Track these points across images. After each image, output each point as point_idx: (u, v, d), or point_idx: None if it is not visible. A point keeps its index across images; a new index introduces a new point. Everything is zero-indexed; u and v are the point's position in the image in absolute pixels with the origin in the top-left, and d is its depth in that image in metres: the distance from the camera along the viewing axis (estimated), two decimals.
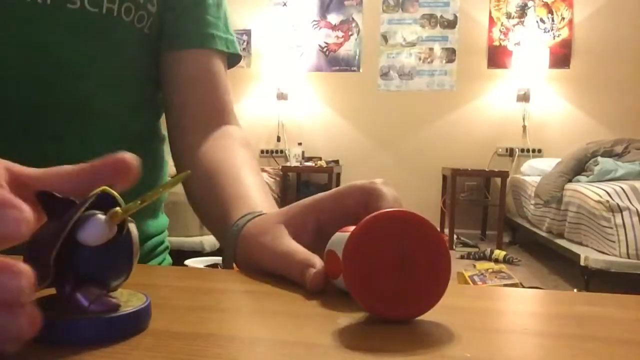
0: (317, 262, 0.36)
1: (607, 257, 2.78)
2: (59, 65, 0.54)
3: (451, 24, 4.94)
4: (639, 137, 3.89)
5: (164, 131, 0.70)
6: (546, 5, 4.78)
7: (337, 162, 4.95)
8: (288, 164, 4.79)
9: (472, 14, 4.90)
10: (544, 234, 3.66)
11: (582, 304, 0.35)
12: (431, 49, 4.97)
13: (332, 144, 5.10)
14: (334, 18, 5.11)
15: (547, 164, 4.08)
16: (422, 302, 0.29)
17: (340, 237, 0.32)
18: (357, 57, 5.09)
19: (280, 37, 5.11)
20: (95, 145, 0.57)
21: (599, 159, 3.53)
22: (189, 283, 0.39)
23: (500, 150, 4.86)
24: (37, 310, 0.21)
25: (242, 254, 0.44)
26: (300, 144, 4.97)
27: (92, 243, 0.23)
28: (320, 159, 4.86)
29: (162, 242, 0.70)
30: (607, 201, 2.84)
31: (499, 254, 3.68)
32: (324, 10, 5.11)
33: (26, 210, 0.20)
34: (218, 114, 0.67)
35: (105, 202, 0.25)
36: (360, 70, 5.09)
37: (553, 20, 4.77)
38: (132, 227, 0.26)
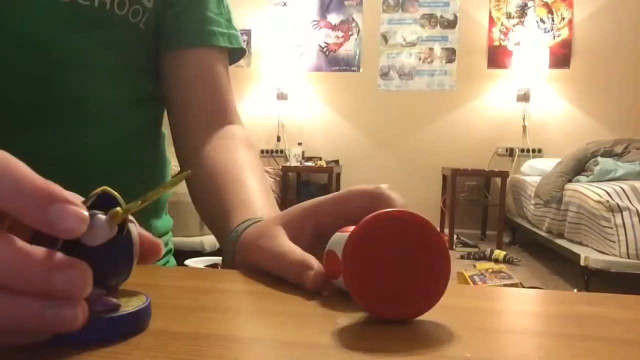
0: (314, 262, 0.36)
1: (607, 257, 2.78)
2: (53, 59, 0.54)
3: (451, 24, 4.94)
4: (639, 137, 3.89)
5: (165, 130, 0.70)
6: (546, 5, 4.77)
7: (337, 162, 4.95)
8: (288, 164, 4.79)
9: (472, 14, 4.90)
10: (544, 234, 3.66)
11: (582, 304, 0.35)
12: (431, 49, 4.97)
13: (332, 144, 5.10)
14: (334, 18, 5.11)
15: (547, 164, 4.08)
16: (421, 302, 0.29)
17: (340, 237, 0.32)
18: (357, 57, 5.09)
19: (280, 37, 5.11)
20: (93, 142, 0.57)
21: (599, 159, 3.53)
22: (189, 283, 0.39)
23: (500, 150, 4.86)
24: (87, 306, 0.22)
25: (241, 258, 0.44)
26: (300, 144, 4.97)
27: (93, 243, 0.24)
28: (320, 159, 4.86)
29: (166, 244, 0.70)
30: (607, 201, 2.84)
31: (499, 254, 3.68)
32: (324, 10, 5.11)
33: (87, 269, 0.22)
34: (221, 113, 0.67)
35: (105, 202, 0.25)
36: (360, 70, 5.09)
37: (553, 20, 4.77)
38: (132, 227, 0.26)
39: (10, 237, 0.21)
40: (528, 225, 4.08)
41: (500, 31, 4.84)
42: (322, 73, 5.12)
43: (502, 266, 2.75)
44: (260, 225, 0.44)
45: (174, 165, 0.69)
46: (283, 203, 4.22)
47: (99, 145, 0.58)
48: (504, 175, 4.18)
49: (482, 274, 2.58)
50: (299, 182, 5.08)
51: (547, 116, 4.78)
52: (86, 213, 0.22)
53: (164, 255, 0.69)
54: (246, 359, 0.24)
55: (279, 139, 5.18)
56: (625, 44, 4.61)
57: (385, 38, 5.04)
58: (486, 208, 4.77)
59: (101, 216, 0.24)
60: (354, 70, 5.10)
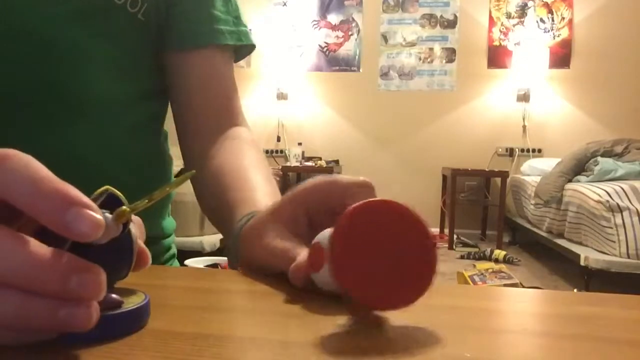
0: (301, 253, 0.36)
1: (607, 257, 2.78)
2: (50, 50, 0.53)
3: (451, 24, 4.94)
4: (639, 137, 3.89)
5: (167, 128, 0.70)
6: (546, 5, 4.78)
7: (337, 162, 4.95)
8: (288, 164, 4.79)
9: (472, 14, 4.90)
10: (544, 234, 3.66)
11: (582, 304, 0.35)
12: (431, 49, 4.97)
13: (332, 144, 5.10)
14: (334, 18, 5.11)
15: (547, 164, 4.08)
16: (410, 290, 0.28)
17: (327, 231, 0.32)
18: (357, 57, 5.09)
19: (280, 37, 5.11)
20: (92, 136, 0.57)
21: (599, 159, 3.53)
22: (189, 283, 0.39)
23: (500, 150, 4.86)
24: (98, 307, 0.23)
25: (244, 254, 0.44)
26: (300, 144, 4.97)
27: (100, 241, 0.24)
28: (320, 159, 4.86)
29: (169, 248, 0.69)
30: (607, 201, 2.84)
31: (499, 254, 3.68)
32: (324, 10, 5.11)
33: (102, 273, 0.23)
34: (228, 116, 0.67)
35: (109, 201, 0.25)
36: (360, 70, 5.09)
37: (553, 20, 4.77)
38: (132, 226, 0.27)
39: (26, 238, 0.22)
40: (528, 225, 4.08)
41: (500, 31, 4.84)
42: (322, 73, 5.12)
43: (502, 266, 2.75)
44: (254, 220, 0.44)
45: (175, 166, 0.69)
46: None
47: (97, 140, 0.57)
48: (504, 175, 4.18)
49: (482, 274, 2.58)
50: (299, 182, 5.07)
51: (547, 116, 4.78)
52: (102, 219, 0.22)
53: (168, 260, 0.68)
54: (246, 359, 0.24)
55: (279, 139, 5.18)
56: (625, 44, 4.61)
57: (385, 38, 5.04)
58: (486, 208, 4.77)
59: (108, 215, 0.24)
60: (354, 70, 5.10)
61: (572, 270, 3.19)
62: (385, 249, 0.28)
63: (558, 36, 4.75)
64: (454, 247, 4.17)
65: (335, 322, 0.29)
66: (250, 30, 0.69)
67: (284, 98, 5.09)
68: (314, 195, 0.41)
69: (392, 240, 0.28)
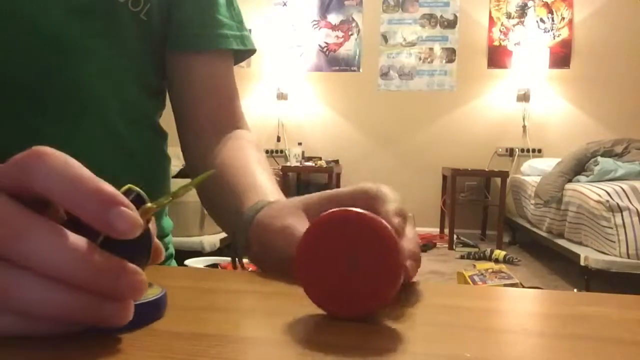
0: None
1: (607, 257, 2.78)
2: (51, 44, 0.53)
3: (451, 24, 4.94)
4: (639, 137, 3.89)
5: (166, 128, 0.70)
6: (546, 5, 4.78)
7: (337, 162, 4.95)
8: (288, 164, 4.79)
9: (472, 14, 4.90)
10: (544, 234, 3.66)
11: (582, 304, 0.35)
12: (431, 49, 4.97)
13: (332, 144, 5.10)
14: (334, 18, 5.11)
15: (547, 164, 4.08)
16: (372, 300, 0.29)
17: None
18: (357, 57, 5.09)
19: (280, 37, 5.11)
20: (88, 132, 0.57)
21: (599, 159, 3.53)
22: (189, 283, 0.39)
23: (500, 150, 4.86)
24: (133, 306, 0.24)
25: (257, 240, 0.44)
26: (300, 144, 4.97)
27: (128, 236, 0.24)
28: (320, 159, 4.86)
29: (167, 248, 0.69)
30: (607, 201, 2.84)
31: (499, 254, 3.68)
32: (324, 10, 5.11)
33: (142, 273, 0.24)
34: (230, 119, 0.68)
35: (128, 197, 0.26)
36: (360, 70, 5.09)
37: (553, 20, 4.77)
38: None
39: (74, 235, 0.23)
40: (528, 225, 4.08)
41: (500, 31, 4.84)
42: (322, 73, 5.12)
43: (502, 266, 2.75)
44: (279, 205, 0.45)
45: (174, 165, 0.69)
46: None
47: (97, 137, 0.58)
48: (504, 175, 4.18)
49: (482, 274, 2.58)
50: (299, 182, 5.08)
51: (547, 116, 4.78)
52: (140, 218, 0.24)
53: (166, 260, 0.68)
54: (246, 359, 0.24)
55: (279, 139, 5.18)
56: (625, 44, 4.61)
57: (385, 38, 5.04)
58: (486, 208, 4.77)
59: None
60: (354, 70, 5.10)
61: (572, 270, 3.19)
62: (346, 259, 0.29)
63: (558, 36, 4.75)
64: (454, 247, 4.17)
65: (336, 322, 0.29)
66: (250, 31, 0.70)
67: (284, 98, 5.09)
68: (345, 201, 0.41)
69: (354, 250, 0.29)
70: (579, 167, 3.62)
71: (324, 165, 4.68)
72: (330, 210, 0.30)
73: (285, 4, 5.13)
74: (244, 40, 0.68)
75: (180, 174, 2.26)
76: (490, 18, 4.86)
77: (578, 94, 4.72)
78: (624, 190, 2.90)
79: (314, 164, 4.68)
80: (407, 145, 5.00)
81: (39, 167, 0.23)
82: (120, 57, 0.59)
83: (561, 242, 3.30)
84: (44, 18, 0.53)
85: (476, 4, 4.88)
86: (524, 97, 4.75)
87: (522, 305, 0.36)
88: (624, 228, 2.75)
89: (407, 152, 4.99)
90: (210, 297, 0.35)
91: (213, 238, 3.07)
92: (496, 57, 4.84)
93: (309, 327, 0.29)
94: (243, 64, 0.79)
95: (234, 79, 0.69)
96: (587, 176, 3.46)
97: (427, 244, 4.18)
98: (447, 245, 4.22)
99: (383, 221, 0.29)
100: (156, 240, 0.30)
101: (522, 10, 4.82)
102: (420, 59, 4.99)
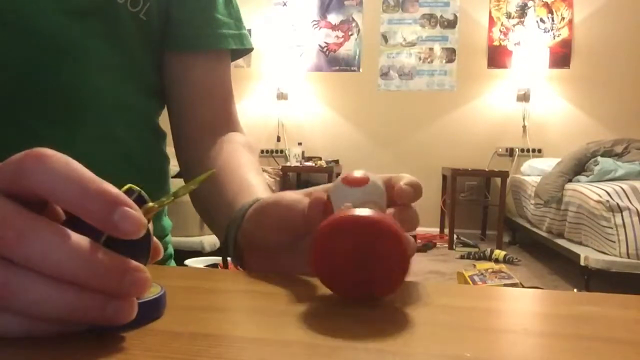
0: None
1: (607, 257, 2.78)
2: (50, 46, 0.53)
3: (451, 24, 4.94)
4: (639, 137, 3.89)
5: (165, 128, 0.70)
6: (546, 5, 4.78)
7: (337, 162, 4.95)
8: (288, 164, 4.79)
9: (472, 14, 4.90)
10: (544, 234, 3.66)
11: (582, 304, 0.35)
12: (431, 49, 4.97)
13: (332, 144, 5.10)
14: (334, 18, 5.11)
15: (547, 164, 4.08)
16: (381, 285, 0.32)
17: (342, 190, 0.35)
18: (357, 57, 5.09)
19: (280, 37, 5.11)
20: (87, 133, 0.57)
21: (599, 159, 3.53)
22: (189, 283, 0.39)
23: (500, 150, 4.87)
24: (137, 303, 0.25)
25: (253, 218, 0.44)
26: (300, 144, 4.97)
27: (133, 236, 0.24)
28: (320, 158, 4.86)
29: (166, 248, 0.69)
30: (607, 201, 2.84)
31: (499, 254, 3.68)
32: (324, 10, 5.11)
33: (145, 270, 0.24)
34: (225, 122, 0.68)
35: (129, 197, 0.26)
36: (360, 70, 5.09)
37: (553, 20, 4.77)
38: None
39: (77, 235, 0.23)
40: (528, 225, 4.08)
41: (500, 31, 4.84)
42: (322, 73, 5.12)
43: (502, 266, 2.75)
44: (276, 194, 0.44)
45: (173, 165, 0.69)
46: None
47: (96, 137, 0.58)
48: (504, 175, 4.18)
49: (482, 274, 2.58)
50: (299, 182, 5.08)
51: (547, 116, 4.78)
52: (144, 218, 0.24)
53: (166, 260, 0.68)
54: (246, 359, 0.24)
55: (279, 139, 5.18)
56: (625, 44, 4.61)
57: (385, 38, 5.04)
58: (486, 208, 4.77)
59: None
60: (354, 70, 5.10)
61: (572, 270, 3.19)
62: (358, 255, 0.31)
63: (558, 36, 4.75)
64: (454, 247, 4.17)
65: (336, 322, 0.29)
66: (250, 31, 0.70)
67: (284, 98, 5.09)
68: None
69: (365, 248, 0.31)
70: (579, 167, 3.62)
71: (324, 165, 4.68)
72: (339, 214, 0.31)
73: (285, 4, 5.13)
74: (242, 39, 0.68)
75: (179, 174, 2.26)
76: (490, 18, 4.86)
77: (578, 94, 4.72)
78: (624, 190, 2.90)
79: (314, 164, 4.68)
80: (407, 145, 5.00)
81: (38, 168, 0.23)
82: (119, 58, 0.59)
83: (561, 242, 3.30)
84: (43, 19, 0.52)
85: (476, 4, 4.88)
86: (524, 97, 4.75)
87: (522, 305, 0.36)
88: (624, 228, 2.75)
89: (407, 152, 4.99)
90: (210, 297, 0.35)
91: (213, 238, 3.07)
92: (496, 57, 4.84)
93: (309, 327, 0.29)
94: (243, 63, 0.79)
95: (230, 79, 0.69)
96: (587, 176, 3.46)
97: (427, 244, 4.18)
98: (447, 245, 4.22)
99: (390, 222, 0.31)
100: (154, 238, 0.30)
101: (522, 10, 4.82)
102: (420, 59, 4.99)
